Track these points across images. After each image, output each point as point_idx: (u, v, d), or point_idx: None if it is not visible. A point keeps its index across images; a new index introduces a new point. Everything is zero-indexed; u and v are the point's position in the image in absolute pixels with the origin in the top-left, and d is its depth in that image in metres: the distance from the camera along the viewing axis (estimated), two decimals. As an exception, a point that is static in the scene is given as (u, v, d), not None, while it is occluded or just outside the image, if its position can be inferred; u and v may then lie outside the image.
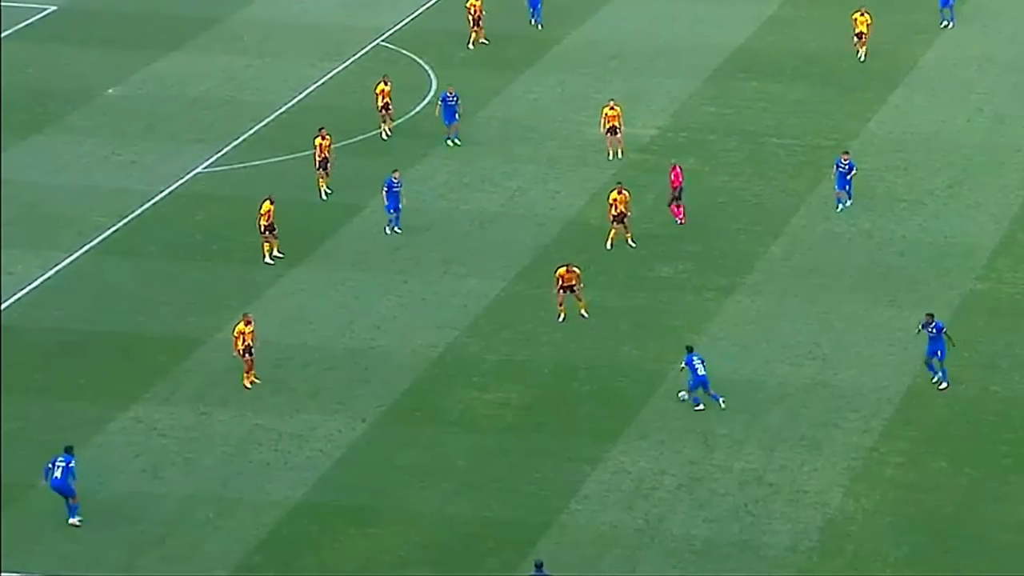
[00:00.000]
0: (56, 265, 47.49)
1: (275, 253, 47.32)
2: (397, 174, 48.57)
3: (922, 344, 43.06)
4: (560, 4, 64.45)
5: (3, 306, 45.51)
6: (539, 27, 60.96)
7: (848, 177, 49.99)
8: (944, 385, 41.91)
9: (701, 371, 40.96)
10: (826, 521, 37.83)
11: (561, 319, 44.34)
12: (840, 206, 49.61)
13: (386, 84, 54.25)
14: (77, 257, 48.03)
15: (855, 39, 59.39)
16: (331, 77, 58.90)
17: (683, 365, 41.39)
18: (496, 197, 51.51)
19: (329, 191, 50.78)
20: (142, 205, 50.80)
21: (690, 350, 41.45)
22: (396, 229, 48.44)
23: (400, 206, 48.63)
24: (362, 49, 60.68)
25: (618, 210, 47.76)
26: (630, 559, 36.77)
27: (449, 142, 53.84)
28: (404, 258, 48.07)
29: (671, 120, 56.22)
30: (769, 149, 54.56)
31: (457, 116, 53.87)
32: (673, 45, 61.43)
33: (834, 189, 50.24)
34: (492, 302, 45.87)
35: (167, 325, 44.71)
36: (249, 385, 41.83)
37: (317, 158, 50.79)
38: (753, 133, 55.48)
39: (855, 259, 48.18)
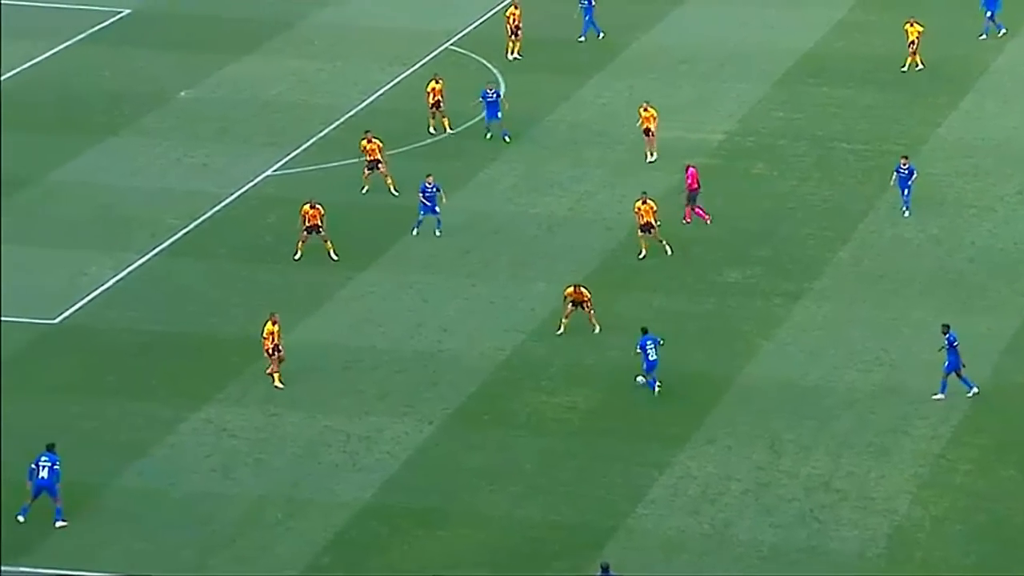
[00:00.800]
0: (129, 266, 48.06)
1: (298, 254, 47.73)
2: (431, 179, 48.68)
3: (991, 351, 42.89)
4: (630, 9, 64.55)
5: (77, 307, 46.11)
6: (600, 35, 60.94)
7: (909, 183, 49.71)
8: (975, 391, 41.53)
9: (652, 356, 41.11)
10: (894, 528, 37.78)
11: (560, 331, 44.08)
12: (905, 208, 49.40)
13: (437, 83, 54.53)
14: (150, 259, 48.59)
15: (909, 48, 58.91)
16: (400, 81, 59.26)
17: (637, 349, 41.57)
18: (564, 201, 51.68)
19: (396, 192, 51.15)
20: (214, 207, 51.32)
21: (644, 332, 41.48)
22: (437, 231, 48.40)
23: (438, 209, 48.63)
24: (431, 53, 61.02)
25: (644, 220, 47.57)
26: (696, 564, 36.86)
27: (490, 136, 53.92)
28: (472, 261, 48.34)
29: (739, 125, 56.21)
30: (838, 154, 54.46)
31: (499, 114, 53.92)
32: (742, 50, 61.40)
33: (901, 194, 50.12)
34: (560, 305, 46.03)
35: (238, 326, 45.16)
36: (280, 385, 42.06)
37: (367, 160, 51.35)
38: (822, 138, 55.38)
39: (924, 265, 48.03)
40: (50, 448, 37.79)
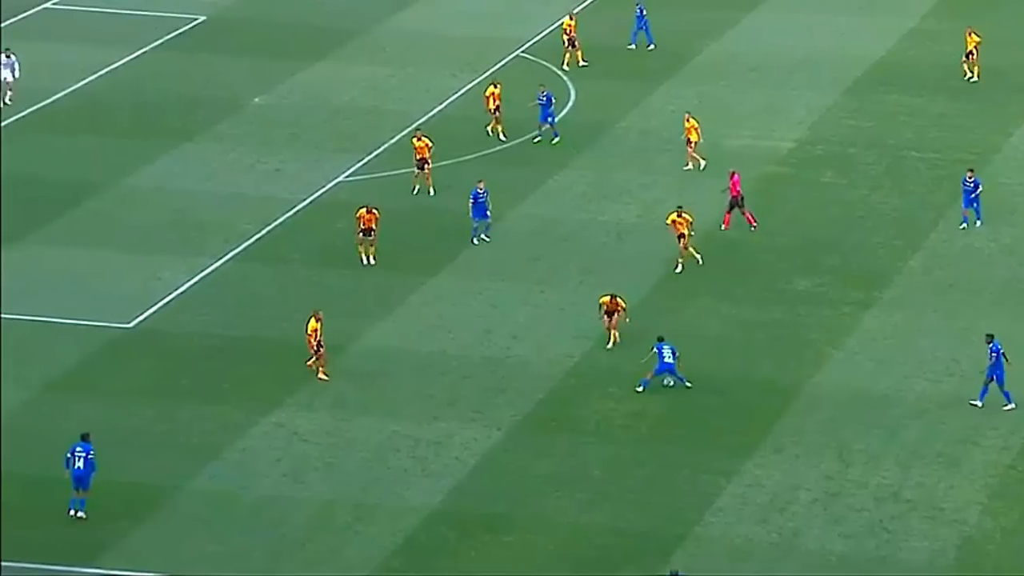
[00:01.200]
0: (203, 271, 48.56)
1: (369, 259, 48.18)
2: (482, 184, 48.81)
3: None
4: (700, 16, 64.56)
5: (151, 311, 46.64)
6: (651, 46, 60.91)
7: (973, 196, 49.23)
8: (1011, 406, 41.31)
9: (668, 359, 41.66)
10: (963, 539, 37.66)
11: (610, 345, 44.13)
12: (965, 224, 48.94)
13: (496, 87, 54.99)
14: (223, 263, 49.08)
15: (964, 58, 58.36)
16: (471, 88, 59.54)
17: (652, 350, 42.12)
18: (633, 208, 51.79)
19: (433, 192, 51.67)
20: (286, 213, 51.77)
21: (660, 340, 42.24)
22: (484, 237, 48.60)
23: (488, 214, 48.75)
24: (502, 60, 61.26)
25: (679, 231, 47.62)
26: (765, 573, 36.88)
27: (539, 139, 54.45)
28: (542, 268, 48.53)
29: (810, 132, 56.11)
30: (909, 163, 54.28)
31: (550, 118, 54.36)
32: (813, 57, 61.30)
33: (962, 207, 49.63)
34: (629, 313, 46.16)
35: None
36: (325, 377, 42.83)
37: (416, 159, 51.80)
38: (893, 146, 55.21)
39: (996, 275, 47.81)
40: (84, 438, 38.17)
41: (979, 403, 41.72)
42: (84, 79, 60.36)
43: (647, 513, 38.68)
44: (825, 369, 43.70)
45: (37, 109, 58.20)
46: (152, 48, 62.82)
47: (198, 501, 39.07)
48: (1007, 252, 49.01)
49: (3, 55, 58.14)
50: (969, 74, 58.50)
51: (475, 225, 48.95)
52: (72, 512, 37.94)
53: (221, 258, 49.22)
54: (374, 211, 48.31)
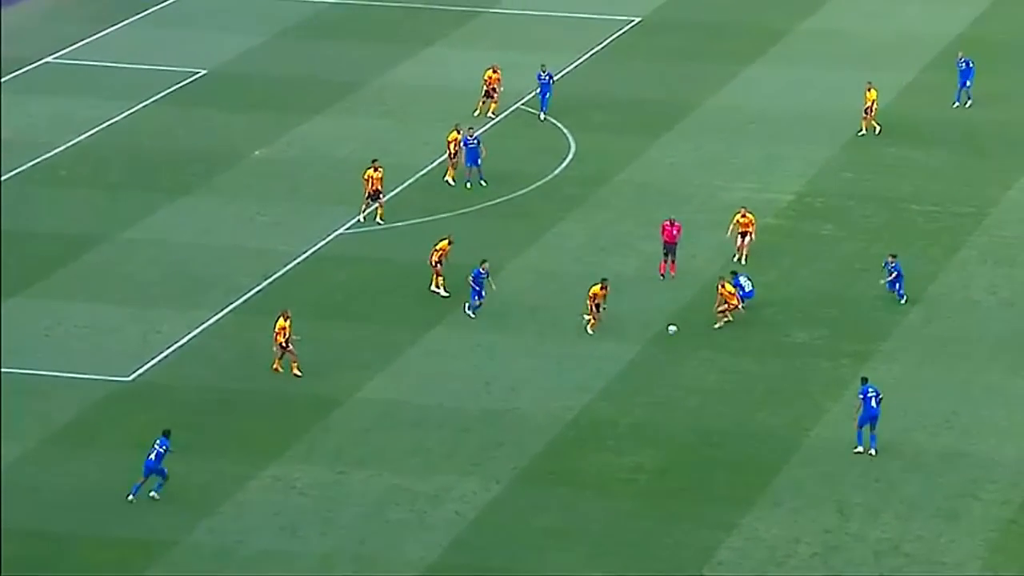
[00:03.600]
0: (202, 324, 48.57)
1: (441, 290, 48.87)
2: (486, 265, 48.16)
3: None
4: (698, 69, 64.81)
5: (150, 365, 46.63)
6: (543, 116, 59.78)
7: (893, 279, 47.90)
8: (868, 450, 41.69)
9: (749, 288, 44.56)
10: (963, 593, 37.55)
11: (590, 330, 46.05)
12: (903, 299, 48.09)
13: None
14: (222, 316, 49.09)
15: (864, 113, 58.09)
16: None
17: (731, 285, 46.55)
18: (632, 261, 51.83)
19: (381, 222, 52.59)
20: (285, 266, 51.81)
21: (734, 274, 46.20)
22: (469, 313, 48.02)
23: (484, 294, 48.02)
24: (502, 113, 61.43)
25: (743, 230, 49.67)
26: (763, 627, 36.73)
27: (467, 184, 54.97)
28: (541, 320, 48.54)
29: (808, 185, 56.23)
30: (907, 215, 54.36)
31: (479, 160, 55.12)
32: (811, 110, 61.49)
33: (885, 285, 48.34)
34: (627, 366, 46.15)
35: (307, 384, 45.52)
36: (299, 373, 44.56)
37: (368, 190, 52.51)
38: (891, 199, 55.32)
39: (994, 328, 47.81)
40: (165, 433, 40.45)
41: (862, 448, 41.69)
42: (84, 133, 60.52)
43: (646, 567, 38.54)
44: (824, 422, 43.65)
45: (37, 163, 58.34)
46: (152, 102, 63.02)
47: (195, 555, 38.93)
48: (1005, 305, 49.02)
49: None
50: (864, 130, 58.14)
51: (473, 304, 48.11)
52: (128, 496, 39.93)
53: (220, 311, 49.24)
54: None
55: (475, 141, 55.41)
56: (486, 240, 52.12)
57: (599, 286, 47.00)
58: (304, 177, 57.50)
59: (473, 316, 47.57)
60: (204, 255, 52.48)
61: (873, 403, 41.84)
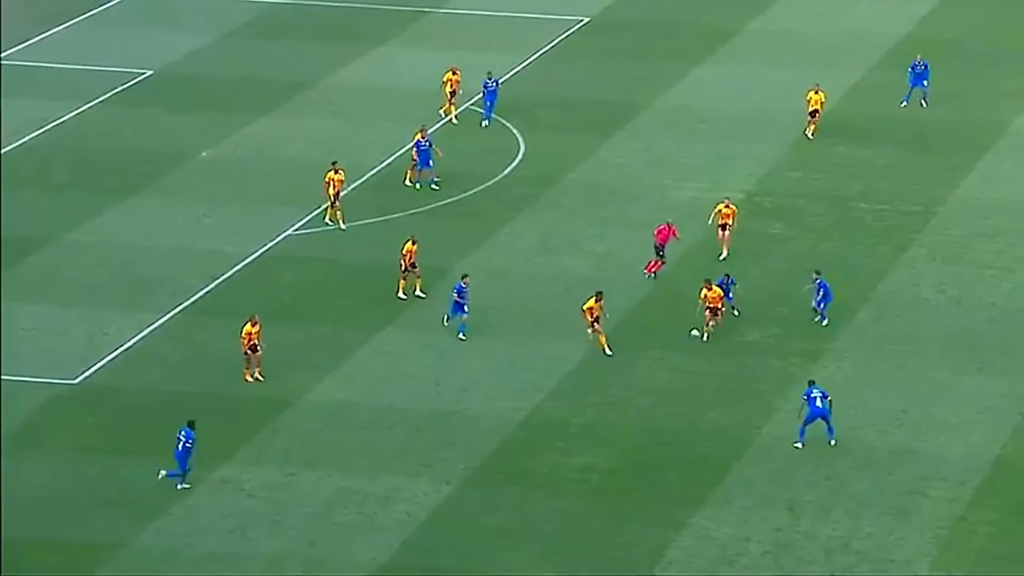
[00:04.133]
0: (149, 326, 48.19)
1: (417, 292, 48.55)
2: (467, 280, 47.39)
3: (1011, 411, 42.78)
4: (648, 69, 64.83)
5: (97, 367, 46.24)
6: (485, 123, 59.29)
7: (820, 298, 47.17)
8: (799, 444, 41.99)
9: (820, 404, 42.11)
10: (913, 590, 37.62)
11: (610, 352, 45.59)
12: (825, 320, 47.33)
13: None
14: (170, 318, 48.72)
15: (808, 117, 58.02)
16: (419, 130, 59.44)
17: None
18: (582, 260, 51.76)
19: (332, 223, 52.52)
20: (233, 267, 51.49)
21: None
22: (461, 335, 46.85)
23: (467, 310, 46.87)
24: (452, 113, 61.21)
25: (723, 221, 50.31)
26: (715, 626, 36.70)
27: (417, 185, 54.94)
28: (491, 321, 48.40)
29: (758, 185, 56.30)
30: (857, 214, 54.50)
31: (431, 162, 54.94)
32: (761, 110, 61.59)
33: (812, 304, 47.55)
34: (578, 366, 46.06)
35: (257, 386, 45.22)
36: (250, 379, 44.56)
37: (331, 192, 52.25)
38: (841, 198, 55.45)
39: (943, 325, 47.97)
40: (190, 425, 40.87)
41: (800, 445, 41.85)
42: (29, 134, 60.00)
43: (597, 567, 38.45)
44: (774, 420, 43.68)
45: (-18, 164, 57.86)
46: (98, 102, 62.55)
47: (143, 558, 38.61)
48: (954, 303, 49.21)
49: None
50: (811, 134, 57.97)
51: (458, 318, 47.01)
52: (159, 473, 40.71)
53: (168, 313, 48.87)
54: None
55: (427, 143, 55.20)
56: (437, 240, 51.92)
57: (593, 299, 45.85)
58: (252, 178, 57.18)
59: (464, 338, 46.47)
60: (151, 256, 52.10)
61: (818, 403, 41.86)
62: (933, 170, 57.13)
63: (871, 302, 49.21)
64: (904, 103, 60.85)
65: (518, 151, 58.72)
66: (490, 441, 42.83)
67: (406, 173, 55.82)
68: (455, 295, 47.15)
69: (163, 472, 40.70)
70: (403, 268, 48.80)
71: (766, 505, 40.35)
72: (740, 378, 45.50)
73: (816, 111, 58.40)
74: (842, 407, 43.84)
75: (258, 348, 44.32)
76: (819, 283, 47.37)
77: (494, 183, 56.33)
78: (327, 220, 53.12)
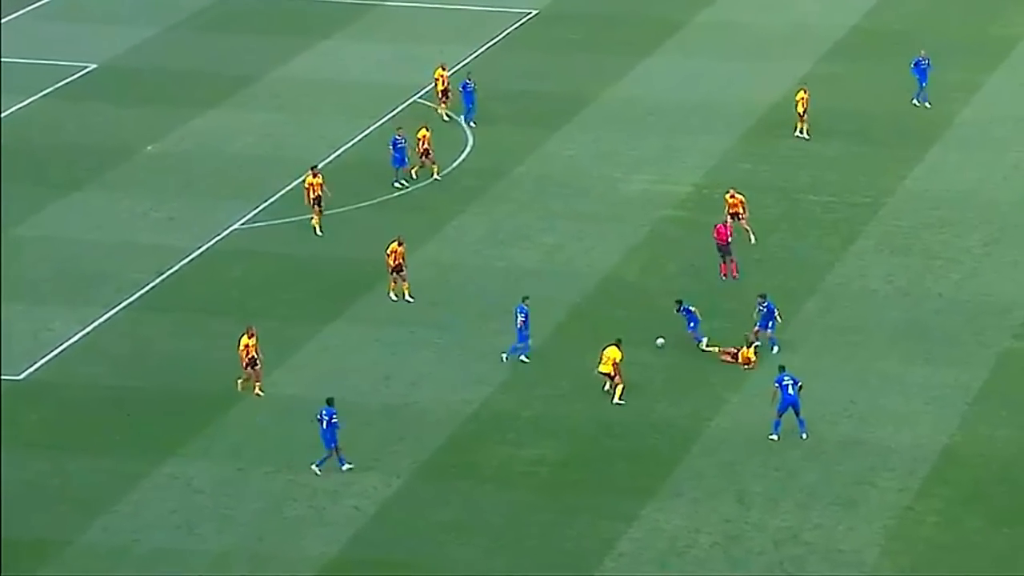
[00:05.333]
0: (94, 321, 47.79)
1: (406, 296, 48.08)
2: (528, 301, 45.67)
3: (958, 402, 42.96)
4: (596, 61, 64.79)
5: (41, 363, 45.81)
6: (470, 125, 58.53)
7: (770, 322, 46.29)
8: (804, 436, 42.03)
9: (791, 391, 41.88)
10: (862, 580, 37.70)
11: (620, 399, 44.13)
12: (775, 347, 46.08)
13: (427, 131, 54.98)
14: (115, 313, 48.33)
15: (798, 117, 57.65)
16: (368, 134, 59.23)
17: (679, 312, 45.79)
18: (531, 253, 51.66)
19: (321, 232, 51.90)
20: (180, 261, 51.13)
21: (680, 303, 45.54)
22: (524, 358, 45.56)
23: (527, 336, 45.34)
24: (399, 106, 61.03)
25: (734, 210, 50.13)
26: (665, 618, 36.68)
27: (397, 184, 54.43)
28: (439, 314, 48.23)
29: (706, 177, 56.34)
30: (805, 206, 54.61)
31: (407, 160, 54.51)
32: (709, 102, 61.63)
33: (757, 326, 46.31)
34: (530, 356, 45.91)
35: (204, 381, 44.93)
36: (260, 394, 43.50)
37: (310, 196, 51.82)
38: (788, 189, 55.55)
39: (891, 317, 48.11)
40: (329, 402, 40.80)
41: (775, 437, 41.81)
42: (-28, 127, 59.48)
43: (547, 559, 38.37)
44: (724, 412, 43.70)
45: (-76, 158, 57.26)
46: (41, 96, 62.03)
47: (90, 555, 38.28)
48: (901, 294, 49.36)
49: None
50: (801, 132, 57.73)
51: (521, 346, 45.44)
52: (313, 466, 40.70)
53: (113, 308, 48.49)
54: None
55: (403, 141, 54.85)
56: (385, 233, 51.68)
57: (613, 347, 43.76)
58: (198, 172, 56.81)
59: (527, 360, 45.17)
60: (96, 251, 51.68)
61: (790, 390, 41.96)
62: (880, 162, 57.30)
63: (819, 293, 49.31)
64: (915, 101, 59.83)
65: (466, 144, 58.57)
66: (439, 434, 42.68)
67: (413, 168, 54.81)
68: (520, 317, 45.31)
69: (315, 466, 40.69)
70: (390, 269, 48.13)
71: (715, 497, 40.37)
72: (689, 370, 45.49)
73: (805, 110, 57.89)
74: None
75: (257, 362, 43.48)
76: (766, 306, 46.25)
77: (443, 176, 56.15)
78: (318, 230, 51.87)
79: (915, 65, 60.22)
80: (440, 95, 59.52)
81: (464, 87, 59.31)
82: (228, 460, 41.68)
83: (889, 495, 40.42)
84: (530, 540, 38.98)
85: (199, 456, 41.82)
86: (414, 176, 55.29)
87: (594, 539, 38.93)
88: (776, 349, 46.02)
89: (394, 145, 54.93)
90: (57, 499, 40.20)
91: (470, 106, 59.26)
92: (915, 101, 60.39)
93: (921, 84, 60.19)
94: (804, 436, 42.14)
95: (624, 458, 41.87)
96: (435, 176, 55.15)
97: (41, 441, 42.45)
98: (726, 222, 50.11)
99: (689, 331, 45.89)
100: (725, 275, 49.46)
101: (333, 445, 40.87)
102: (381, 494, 40.48)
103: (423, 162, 55.14)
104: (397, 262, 48.25)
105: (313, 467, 40.79)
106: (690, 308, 46.08)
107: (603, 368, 43.78)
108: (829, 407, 43.76)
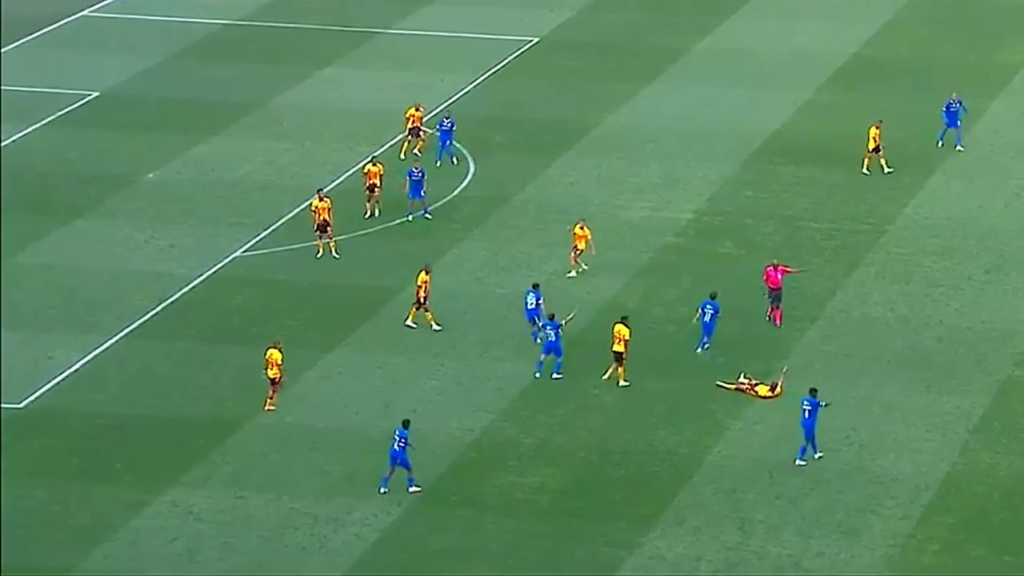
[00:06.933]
0: (96, 349, 47.78)
1: (434, 326, 48.07)
2: (565, 319, 46.28)
3: (960, 430, 42.91)
4: (597, 88, 64.89)
5: (42, 391, 45.78)
6: (437, 163, 57.81)
7: (705, 319, 46.79)
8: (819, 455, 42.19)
9: (708, 319, 43.57)
10: (864, 609, 37.60)
11: (626, 383, 45.22)
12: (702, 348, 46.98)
13: (375, 166, 54.41)
14: (116, 341, 48.33)
15: (870, 154, 57.21)
16: (369, 161, 59.25)
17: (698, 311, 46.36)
18: (532, 280, 51.61)
19: (337, 255, 51.74)
20: (181, 289, 51.15)
21: (713, 297, 46.31)
22: (556, 375, 45.84)
23: (560, 348, 45.71)
24: (400, 133, 61.09)
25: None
26: (667, 646, 36.58)
27: (410, 217, 54.12)
28: (440, 341, 48.22)
29: (707, 204, 56.38)
30: (806, 233, 54.63)
31: (423, 192, 54.22)
32: (710, 129, 61.71)
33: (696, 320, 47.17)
34: (528, 385, 45.93)
35: (205, 409, 44.90)
36: (272, 408, 44.09)
37: (316, 221, 51.69)
38: (790, 217, 55.58)
39: (892, 344, 48.08)
40: (404, 424, 41.17)
41: (802, 462, 41.95)
42: (-26, 155, 59.58)
43: (548, 588, 38.31)
44: (725, 440, 43.65)
45: (-74, 186, 57.33)
46: (43, 124, 62.12)
47: (89, 584, 38.22)
48: (903, 322, 49.34)
49: None
50: (867, 169, 57.18)
51: (547, 358, 45.80)
52: (381, 489, 40.90)
53: (114, 336, 48.48)
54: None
55: (420, 174, 54.72)
56: (387, 261, 51.75)
57: (621, 325, 45.01)
58: (199, 200, 56.86)
59: (559, 376, 45.54)
60: (97, 279, 51.70)
61: (806, 414, 41.88)
62: (882, 189, 57.33)
63: (820, 321, 49.28)
64: (940, 143, 59.46)
65: (468, 171, 58.63)
66: (440, 462, 42.62)
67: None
68: (551, 333, 45.71)
69: (383, 487, 40.88)
70: (417, 300, 47.87)
71: (717, 524, 40.29)
72: (690, 397, 45.45)
73: (878, 147, 57.20)
74: (792, 426, 43.81)
75: (281, 380, 43.78)
76: (711, 303, 46.65)
77: (444, 203, 56.20)
78: (325, 252, 51.85)
79: (946, 108, 59.34)
80: (408, 133, 58.93)
81: (440, 126, 58.74)
82: (229, 488, 41.62)
83: (891, 523, 40.35)
84: (531, 568, 38.89)
85: (200, 484, 41.77)
86: (375, 215, 54.43)
87: (595, 567, 38.84)
88: (707, 345, 46.84)
89: (410, 176, 54.82)
90: (57, 527, 40.13)
91: (444, 146, 58.47)
92: (940, 143, 59.38)
93: (951, 126, 59.06)
94: (797, 462, 42.04)
95: (625, 486, 41.80)
96: (374, 214, 54.09)
97: (41, 469, 42.40)
98: (775, 264, 49.46)
99: (700, 322, 46.19)
100: (769, 319, 49.01)
101: (406, 466, 40.92)
102: (382, 522, 40.41)
103: (368, 196, 54.35)
104: (427, 292, 47.65)
105: (411, 489, 40.99)
106: (717, 305, 46.35)
107: (616, 348, 44.34)
108: (831, 435, 43.69)
